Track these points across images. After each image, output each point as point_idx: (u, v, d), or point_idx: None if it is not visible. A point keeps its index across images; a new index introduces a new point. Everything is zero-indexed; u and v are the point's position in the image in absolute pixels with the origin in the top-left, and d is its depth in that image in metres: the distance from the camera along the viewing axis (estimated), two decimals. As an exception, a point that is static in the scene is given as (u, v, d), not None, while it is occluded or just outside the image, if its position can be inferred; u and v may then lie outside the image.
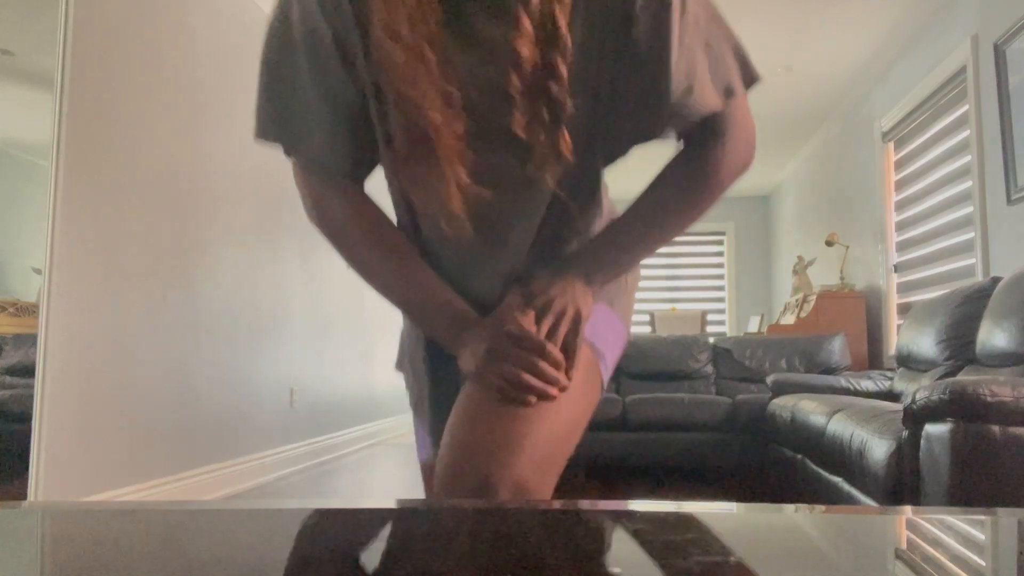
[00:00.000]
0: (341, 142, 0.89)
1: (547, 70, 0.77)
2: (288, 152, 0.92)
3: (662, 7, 0.78)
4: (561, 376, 0.83)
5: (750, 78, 0.87)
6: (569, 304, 0.87)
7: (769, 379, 4.04)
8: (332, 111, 0.87)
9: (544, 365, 0.82)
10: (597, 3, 0.80)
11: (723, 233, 9.51)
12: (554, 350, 0.83)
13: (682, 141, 0.92)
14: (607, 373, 0.98)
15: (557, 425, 0.83)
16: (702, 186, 0.90)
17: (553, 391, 0.82)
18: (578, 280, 0.90)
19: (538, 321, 0.85)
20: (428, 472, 1.07)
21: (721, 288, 9.45)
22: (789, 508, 0.65)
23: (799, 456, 3.18)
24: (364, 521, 0.67)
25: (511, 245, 0.94)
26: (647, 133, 0.88)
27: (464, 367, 0.88)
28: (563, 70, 0.77)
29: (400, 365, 1.13)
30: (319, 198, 0.93)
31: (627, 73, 0.83)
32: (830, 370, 4.57)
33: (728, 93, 0.85)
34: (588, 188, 0.95)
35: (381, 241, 0.93)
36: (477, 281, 0.97)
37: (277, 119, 0.89)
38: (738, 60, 0.87)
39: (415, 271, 0.93)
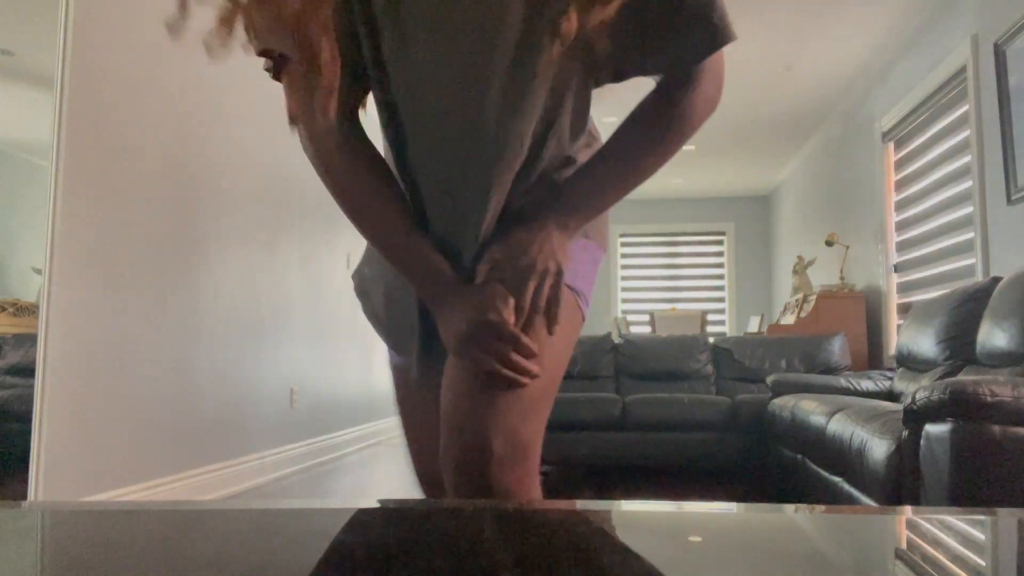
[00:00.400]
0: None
1: None
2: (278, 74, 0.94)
3: None
4: (532, 366, 0.88)
5: (729, 31, 0.89)
6: (551, 260, 0.90)
7: (769, 379, 4.04)
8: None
9: (517, 357, 0.87)
10: None
11: (723, 233, 9.51)
12: (528, 344, 0.87)
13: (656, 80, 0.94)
14: (587, 305, 1.05)
15: (542, 378, 0.90)
16: (676, 128, 0.93)
17: (524, 381, 0.87)
18: (556, 231, 0.92)
19: (522, 283, 0.89)
20: (401, 371, 1.14)
21: (721, 288, 9.45)
22: (789, 508, 0.65)
23: (799, 456, 3.18)
24: (364, 520, 0.67)
25: (505, 159, 0.93)
26: (657, 65, 0.90)
27: (444, 339, 0.93)
28: None
29: (363, 291, 1.16)
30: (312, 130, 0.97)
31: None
32: (830, 370, 4.57)
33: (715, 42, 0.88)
34: (580, 106, 0.97)
35: (369, 177, 0.97)
36: (464, 209, 0.96)
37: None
38: (720, 11, 0.88)
39: (399, 216, 0.96)
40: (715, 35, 0.86)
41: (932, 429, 1.93)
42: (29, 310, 2.61)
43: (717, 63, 0.92)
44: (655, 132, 0.93)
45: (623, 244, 9.61)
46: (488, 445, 0.85)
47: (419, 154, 0.96)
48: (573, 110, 0.96)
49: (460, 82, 0.88)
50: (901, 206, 4.88)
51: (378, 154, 0.99)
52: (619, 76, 0.93)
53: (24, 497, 2.53)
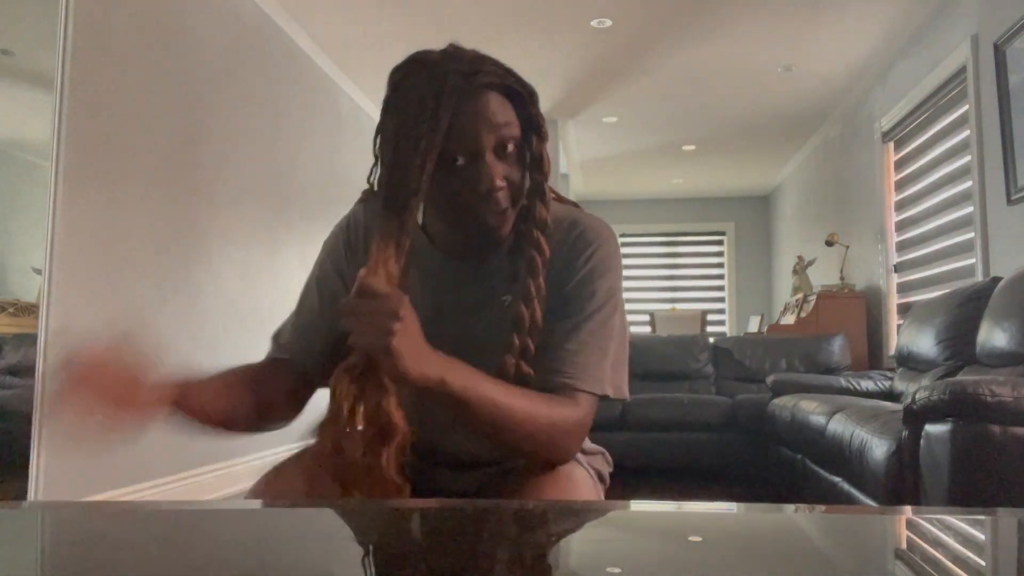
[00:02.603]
0: (308, 339, 1.13)
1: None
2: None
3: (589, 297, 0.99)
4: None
5: (617, 397, 1.00)
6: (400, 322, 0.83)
7: (769, 379, 4.04)
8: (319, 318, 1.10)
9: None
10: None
11: (723, 233, 9.51)
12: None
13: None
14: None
15: None
16: (552, 423, 0.94)
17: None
18: (441, 362, 0.87)
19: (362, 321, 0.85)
20: None
21: (721, 288, 9.45)
22: (789, 508, 0.65)
23: (799, 456, 3.18)
24: (364, 520, 0.67)
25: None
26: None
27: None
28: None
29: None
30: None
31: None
32: (830, 370, 4.57)
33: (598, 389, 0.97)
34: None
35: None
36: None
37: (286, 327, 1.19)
38: (613, 376, 0.99)
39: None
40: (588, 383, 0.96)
41: (932, 429, 1.93)
42: (29, 310, 2.61)
43: (588, 417, 0.97)
44: (544, 412, 0.93)
45: (623, 244, 9.61)
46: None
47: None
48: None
49: None
50: (901, 206, 4.88)
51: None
52: None
53: (24, 497, 2.53)
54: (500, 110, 0.93)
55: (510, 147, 0.94)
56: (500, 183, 0.93)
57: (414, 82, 0.92)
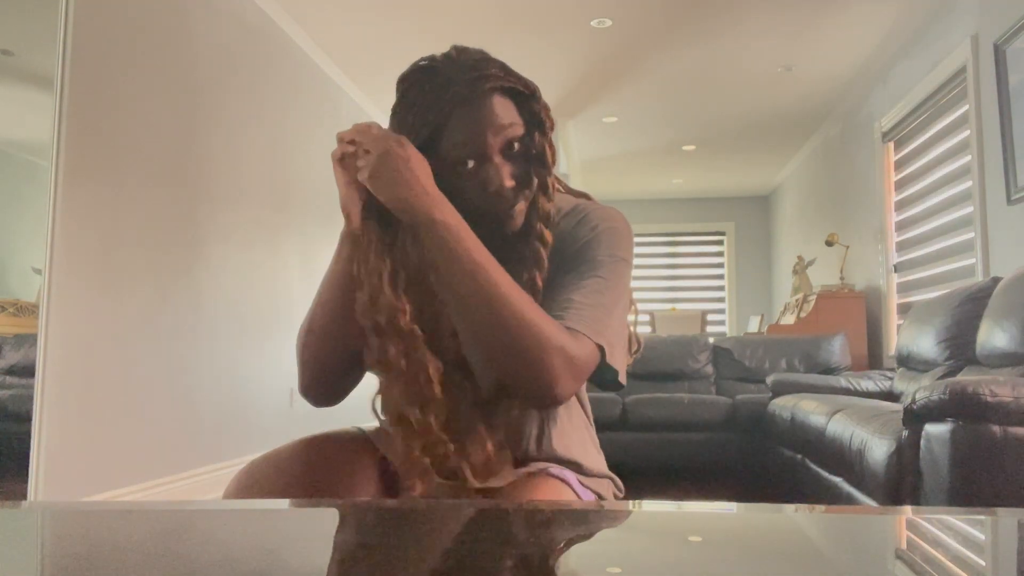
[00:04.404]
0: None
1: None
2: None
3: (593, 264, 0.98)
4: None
5: (609, 362, 0.95)
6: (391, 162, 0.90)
7: (769, 379, 4.04)
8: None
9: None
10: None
11: (723, 233, 9.51)
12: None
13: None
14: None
15: None
16: (549, 337, 0.89)
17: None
18: (429, 195, 0.90)
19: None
20: None
21: (721, 288, 9.45)
22: (789, 508, 0.65)
23: (799, 456, 3.18)
24: (363, 520, 0.67)
25: None
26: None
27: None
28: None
29: None
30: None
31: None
32: (830, 370, 4.57)
33: (598, 339, 0.92)
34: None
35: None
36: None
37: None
38: (613, 340, 0.95)
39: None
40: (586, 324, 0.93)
41: (932, 429, 1.93)
42: (29, 310, 2.61)
43: (587, 368, 0.93)
44: (537, 315, 0.90)
45: (623, 244, 9.58)
46: None
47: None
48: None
49: None
50: (901, 206, 4.87)
51: None
52: None
53: (24, 497, 2.53)
54: (504, 112, 0.95)
55: (516, 146, 0.97)
56: (509, 183, 0.96)
57: (419, 92, 0.95)
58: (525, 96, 0.98)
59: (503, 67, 0.97)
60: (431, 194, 0.90)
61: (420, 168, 0.90)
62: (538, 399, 0.92)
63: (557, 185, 1.05)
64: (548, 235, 0.99)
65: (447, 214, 0.90)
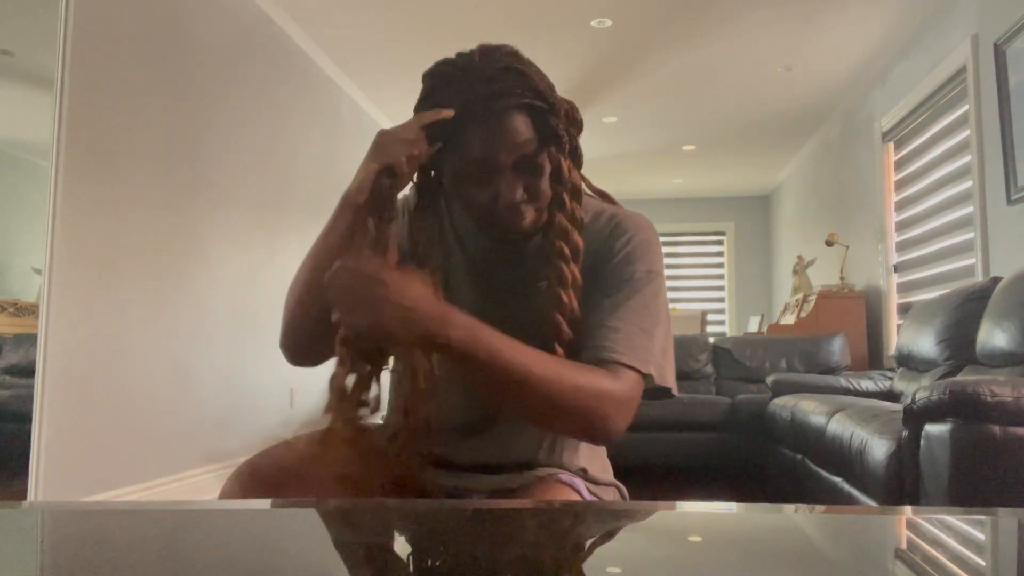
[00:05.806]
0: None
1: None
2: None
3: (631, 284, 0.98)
4: None
5: (661, 384, 0.99)
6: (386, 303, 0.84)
7: (769, 379, 4.03)
8: None
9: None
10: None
11: (723, 233, 9.51)
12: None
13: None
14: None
15: None
16: (589, 392, 0.91)
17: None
18: (442, 312, 0.85)
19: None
20: None
21: (721, 288, 9.45)
22: (789, 508, 0.65)
23: (799, 456, 3.18)
24: (363, 519, 0.67)
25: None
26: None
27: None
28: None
29: None
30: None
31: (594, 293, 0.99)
32: (830, 370, 4.57)
33: (644, 368, 0.95)
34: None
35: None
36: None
37: None
38: (661, 360, 0.98)
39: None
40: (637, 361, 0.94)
41: (932, 429, 1.93)
42: (29, 310, 2.61)
43: (633, 395, 0.96)
44: (581, 378, 0.91)
45: (623, 244, 9.58)
46: None
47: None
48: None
49: None
50: (901, 206, 4.87)
51: None
52: None
53: (24, 497, 2.53)
54: (520, 129, 0.95)
55: (531, 161, 0.97)
56: (520, 197, 0.97)
57: (440, 96, 0.95)
58: (543, 110, 0.97)
59: (523, 79, 0.94)
60: (433, 314, 0.84)
61: (409, 287, 0.84)
62: (593, 440, 0.97)
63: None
64: (567, 250, 0.98)
65: (454, 328, 0.84)
